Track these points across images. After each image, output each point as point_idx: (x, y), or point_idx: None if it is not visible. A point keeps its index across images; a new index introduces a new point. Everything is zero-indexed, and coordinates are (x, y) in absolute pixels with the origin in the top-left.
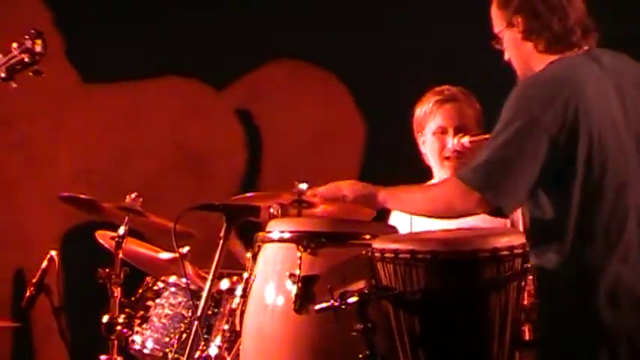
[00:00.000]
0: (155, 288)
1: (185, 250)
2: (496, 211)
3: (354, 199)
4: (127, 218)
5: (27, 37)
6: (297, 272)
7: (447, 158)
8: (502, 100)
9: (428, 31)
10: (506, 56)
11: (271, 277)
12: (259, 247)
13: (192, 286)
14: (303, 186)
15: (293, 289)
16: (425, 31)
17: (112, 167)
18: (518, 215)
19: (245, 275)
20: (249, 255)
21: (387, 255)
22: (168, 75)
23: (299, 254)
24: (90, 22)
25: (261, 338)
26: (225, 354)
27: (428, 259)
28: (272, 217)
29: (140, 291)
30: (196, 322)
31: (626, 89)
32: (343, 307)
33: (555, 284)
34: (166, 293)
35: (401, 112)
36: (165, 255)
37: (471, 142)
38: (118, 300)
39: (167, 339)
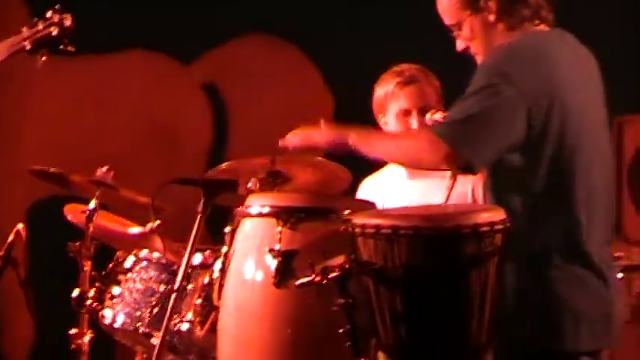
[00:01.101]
0: (126, 262)
1: (156, 223)
2: (465, 168)
3: (326, 145)
4: (98, 192)
5: (52, 11)
6: (277, 247)
7: None
8: (464, 75)
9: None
10: (461, 46)
11: (251, 252)
12: (238, 222)
13: (164, 260)
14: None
15: (273, 263)
16: (394, 11)
17: (79, 141)
18: (479, 193)
19: (224, 250)
20: (227, 230)
21: (368, 230)
22: (135, 49)
23: (279, 229)
24: None
25: (240, 313)
26: (198, 328)
27: (410, 234)
28: (250, 191)
29: (111, 265)
30: (174, 295)
31: (588, 75)
32: (324, 282)
33: (518, 258)
34: (137, 267)
35: (368, 88)
36: (134, 230)
37: (444, 117)
38: (88, 274)
39: (138, 313)
